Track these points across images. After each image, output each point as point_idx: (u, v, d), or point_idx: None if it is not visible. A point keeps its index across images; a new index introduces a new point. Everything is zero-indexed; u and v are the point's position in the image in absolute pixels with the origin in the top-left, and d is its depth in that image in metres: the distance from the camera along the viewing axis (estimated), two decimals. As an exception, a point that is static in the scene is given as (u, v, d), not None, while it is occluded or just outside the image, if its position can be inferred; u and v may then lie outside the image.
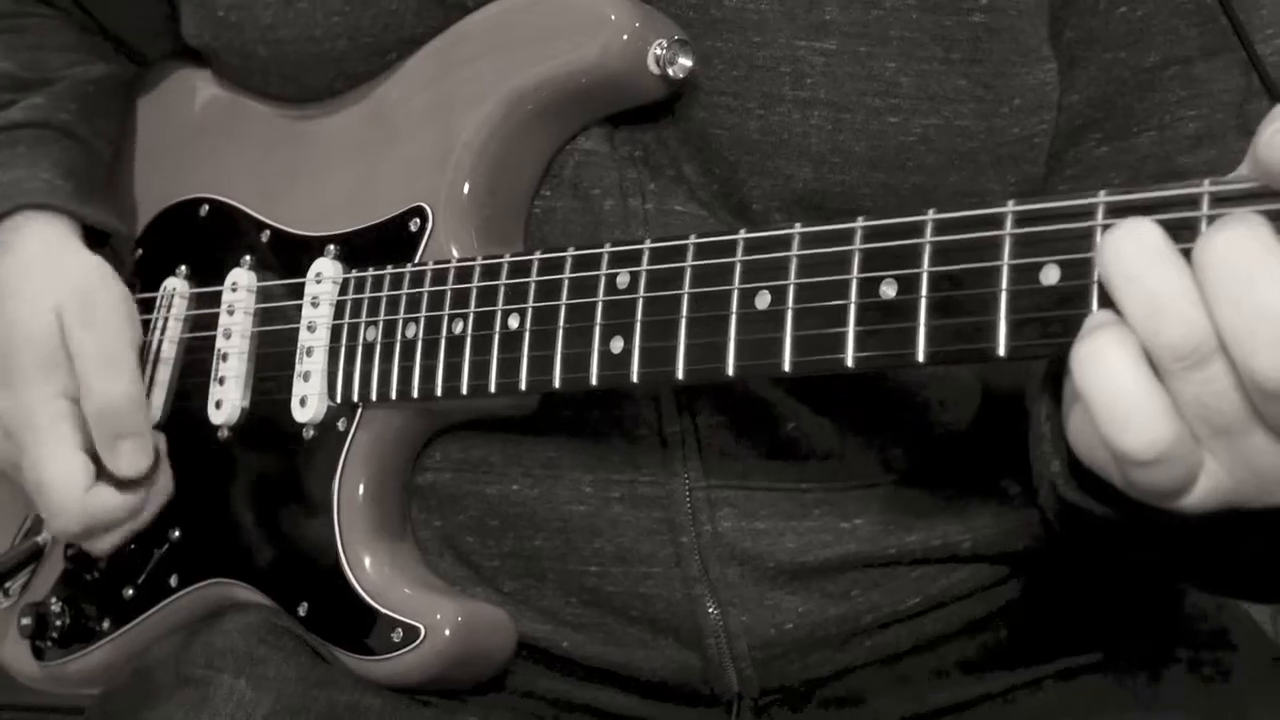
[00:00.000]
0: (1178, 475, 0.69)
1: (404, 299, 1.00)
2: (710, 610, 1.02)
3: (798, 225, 0.83)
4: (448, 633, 0.99)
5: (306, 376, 1.05)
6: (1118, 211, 0.72)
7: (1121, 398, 0.68)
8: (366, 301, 1.02)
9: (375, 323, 1.02)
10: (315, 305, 1.05)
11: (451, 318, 0.97)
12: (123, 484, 1.09)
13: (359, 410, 1.03)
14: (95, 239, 1.16)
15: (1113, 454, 0.69)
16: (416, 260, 1.01)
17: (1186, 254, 0.68)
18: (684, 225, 1.00)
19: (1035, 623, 1.08)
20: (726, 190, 1.00)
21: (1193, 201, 0.70)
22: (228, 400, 1.10)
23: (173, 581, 1.11)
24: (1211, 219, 0.69)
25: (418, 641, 0.99)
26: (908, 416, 1.04)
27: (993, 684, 1.07)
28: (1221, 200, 0.69)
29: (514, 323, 0.94)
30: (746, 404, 1.01)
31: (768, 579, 1.02)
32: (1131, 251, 0.68)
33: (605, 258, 0.91)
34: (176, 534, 1.12)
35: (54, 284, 1.10)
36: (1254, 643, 1.12)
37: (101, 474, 1.09)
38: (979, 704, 1.07)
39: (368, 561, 1.02)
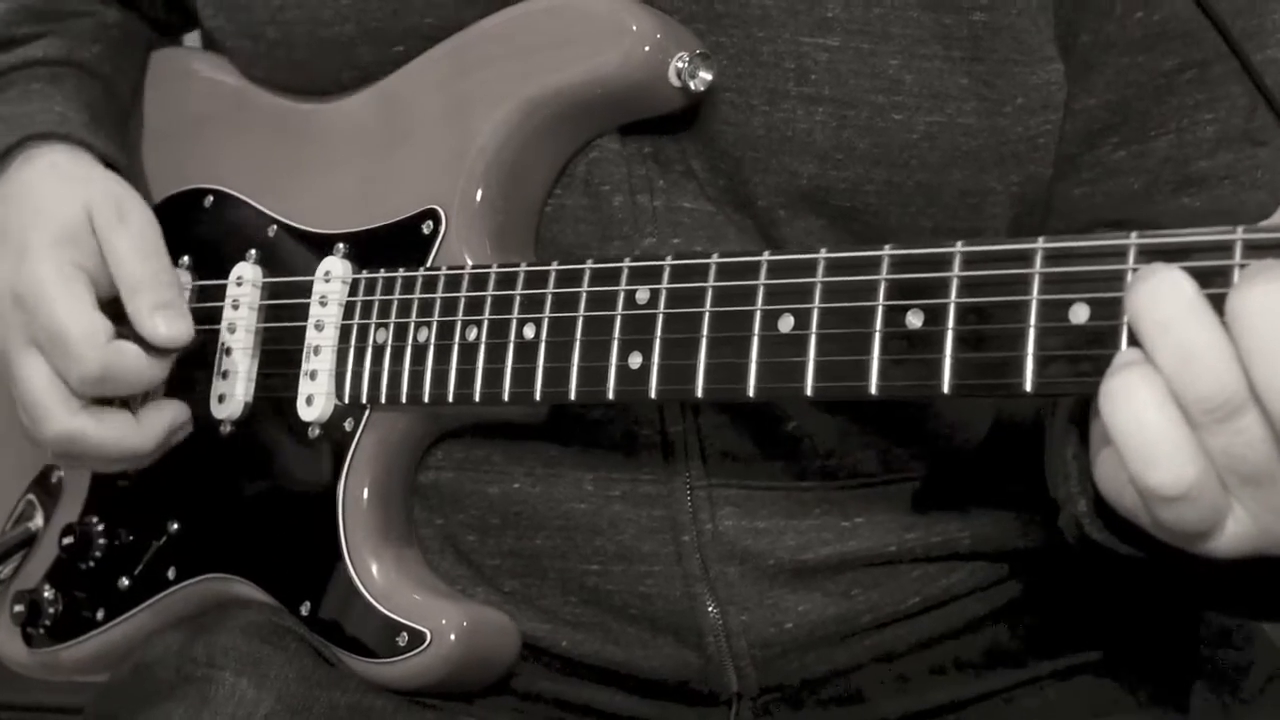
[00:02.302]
0: (1204, 514, 0.70)
1: (416, 302, 0.99)
2: (710, 609, 1.02)
3: (823, 250, 0.83)
4: (453, 638, 0.99)
5: (313, 375, 1.04)
6: (1150, 254, 0.72)
7: (1150, 434, 0.68)
8: (377, 303, 1.02)
9: (386, 324, 1.01)
10: (324, 304, 1.05)
11: (465, 324, 0.97)
12: (148, 348, 1.07)
13: (366, 411, 1.03)
14: None
15: (1139, 491, 0.70)
16: (428, 264, 1.01)
17: (1217, 300, 0.69)
18: (693, 223, 1.00)
19: (1035, 621, 1.09)
20: (732, 186, 1.00)
21: (1225, 248, 0.71)
22: (231, 395, 1.09)
23: (170, 574, 1.11)
24: (1244, 267, 0.70)
25: (423, 646, 0.99)
26: (909, 416, 1.05)
27: (992, 682, 1.08)
28: (1254, 249, 0.70)
29: (529, 333, 0.94)
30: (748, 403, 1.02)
31: (768, 578, 1.02)
32: (1163, 301, 0.69)
33: (625, 272, 0.91)
34: (175, 526, 1.11)
35: (81, 185, 1.10)
36: (1259, 643, 1.13)
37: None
38: (978, 702, 1.08)
39: (373, 565, 1.02)
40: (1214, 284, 0.70)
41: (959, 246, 0.79)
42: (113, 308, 1.08)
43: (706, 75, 0.96)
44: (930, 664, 1.07)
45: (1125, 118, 1.00)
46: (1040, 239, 0.76)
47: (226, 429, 1.10)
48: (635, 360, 0.89)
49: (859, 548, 1.04)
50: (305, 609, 1.03)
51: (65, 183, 1.10)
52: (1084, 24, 0.99)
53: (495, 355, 0.95)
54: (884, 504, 1.05)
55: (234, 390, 1.09)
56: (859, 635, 1.05)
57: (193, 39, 1.26)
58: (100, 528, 1.15)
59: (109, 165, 1.14)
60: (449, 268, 0.99)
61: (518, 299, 0.95)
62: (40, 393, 1.07)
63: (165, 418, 1.10)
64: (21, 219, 1.09)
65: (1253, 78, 0.96)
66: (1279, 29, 0.98)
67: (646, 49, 0.95)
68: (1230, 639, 1.11)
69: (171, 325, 1.06)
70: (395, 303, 1.01)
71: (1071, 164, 1.01)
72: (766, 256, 0.86)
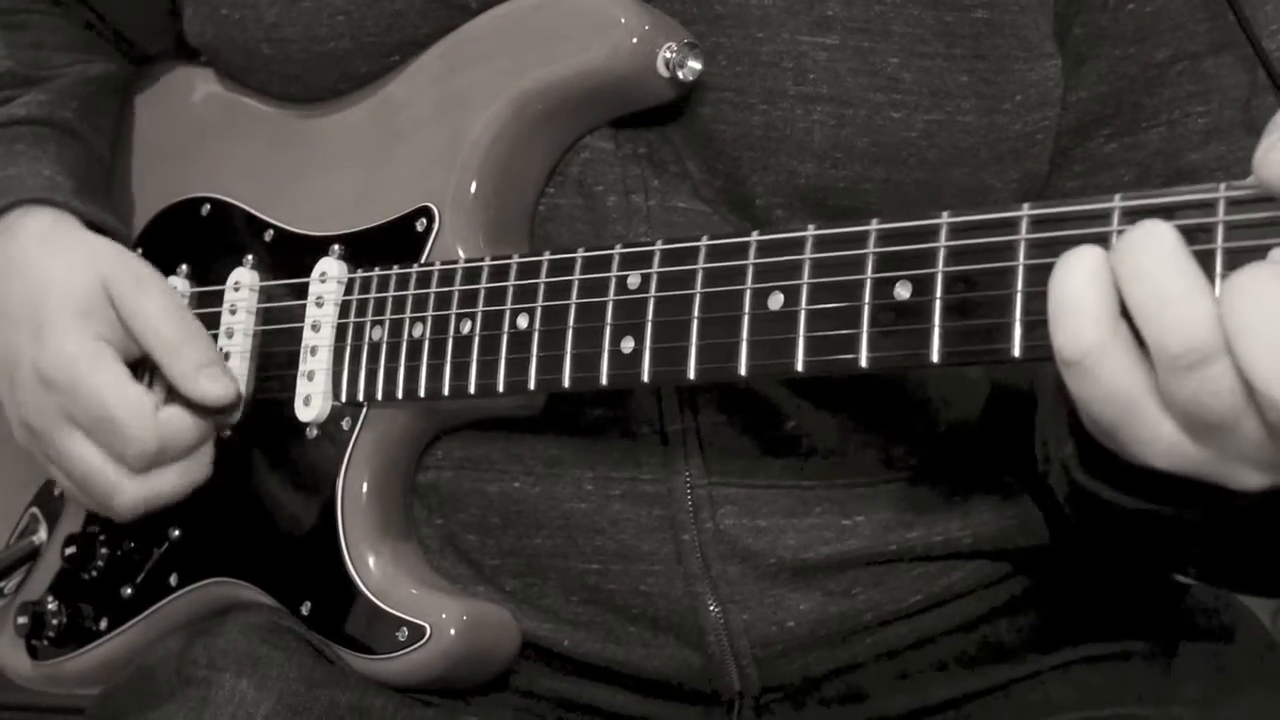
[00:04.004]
0: (1108, 392, 0.70)
1: (410, 299, 1.00)
2: (711, 608, 1.02)
3: (811, 227, 0.84)
4: (453, 632, 0.99)
5: (310, 375, 1.05)
6: (1134, 215, 0.72)
7: (1066, 296, 0.70)
8: (372, 301, 1.02)
9: (381, 322, 1.02)
10: (320, 305, 1.05)
11: (459, 317, 0.97)
12: (194, 409, 1.07)
13: (364, 410, 1.03)
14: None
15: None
16: (423, 260, 1.01)
17: (1203, 255, 0.69)
18: (687, 222, 1.01)
19: (1035, 617, 1.09)
20: (729, 186, 1.00)
21: (1209, 205, 0.71)
22: (230, 400, 1.09)
23: (172, 581, 1.11)
24: (1228, 223, 0.70)
25: (423, 641, 0.99)
26: (909, 414, 1.05)
27: (992, 677, 1.08)
28: (1238, 204, 0.70)
29: (523, 323, 0.94)
30: (748, 401, 1.02)
31: (769, 577, 1.02)
32: (1140, 249, 0.69)
33: (616, 259, 0.91)
34: (176, 533, 1.11)
35: (86, 253, 1.09)
36: (1253, 636, 1.13)
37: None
38: (979, 697, 1.07)
39: (372, 561, 1.02)
40: (1199, 240, 0.70)
41: (945, 217, 0.79)
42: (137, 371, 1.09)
43: (695, 65, 0.96)
44: (932, 660, 1.07)
45: (1117, 110, 1.00)
46: (1025, 205, 0.76)
47: (226, 433, 1.10)
48: (628, 345, 0.90)
49: (860, 546, 1.03)
50: (306, 609, 1.04)
51: (66, 252, 1.09)
52: (1077, 16, 1.00)
53: (489, 347, 0.95)
54: (885, 502, 1.05)
55: (233, 395, 1.09)
56: (860, 634, 1.05)
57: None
58: (102, 537, 1.16)
59: (95, 229, 1.13)
60: (442, 262, 1.00)
61: (510, 290, 0.95)
62: (99, 472, 1.07)
63: (212, 441, 1.10)
64: (27, 293, 1.08)
65: (1263, 60, 0.96)
66: (1270, 21, 0.99)
67: (635, 40, 0.96)
68: (1216, 621, 1.11)
69: (219, 384, 1.06)
70: (390, 300, 1.01)
71: (1064, 156, 1.02)
72: (755, 236, 0.86)
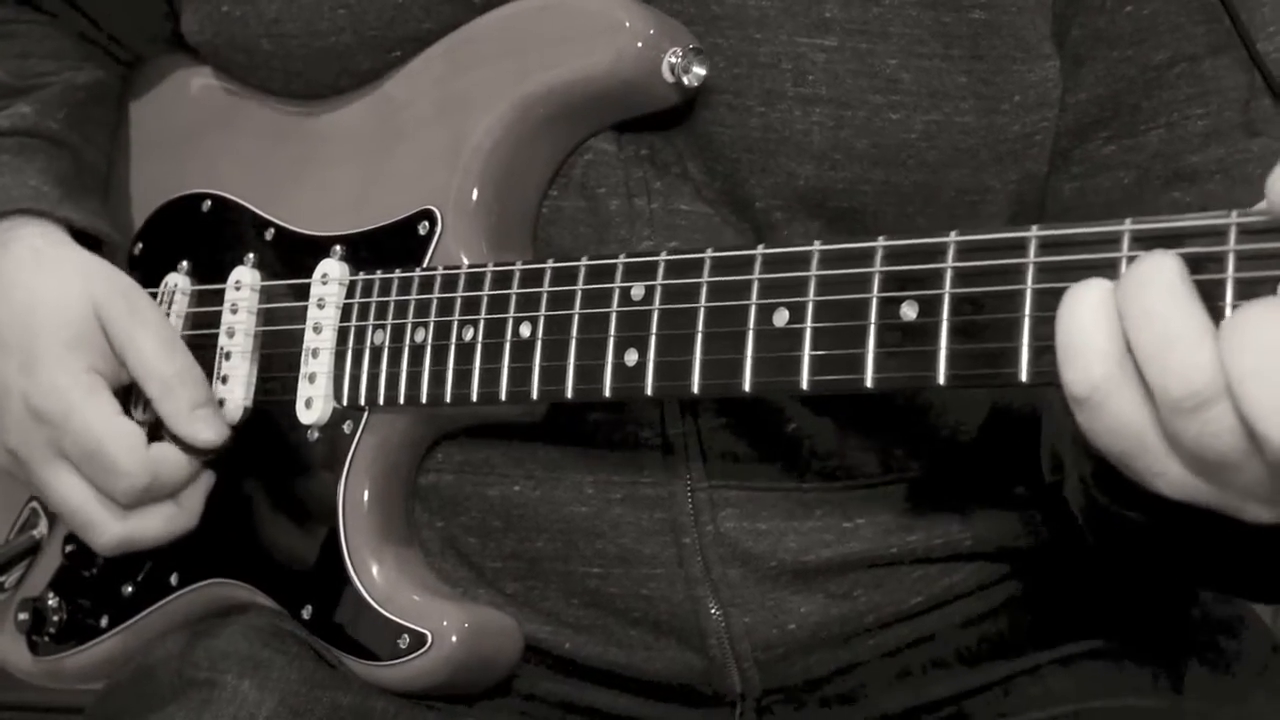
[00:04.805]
0: (1114, 426, 0.71)
1: (413, 303, 0.99)
2: (713, 611, 1.02)
3: (817, 243, 0.83)
4: (455, 639, 0.99)
5: (312, 378, 1.04)
6: (1143, 240, 0.72)
7: (1075, 331, 0.70)
8: (374, 305, 1.02)
9: (383, 326, 1.01)
10: (321, 306, 1.05)
11: (462, 324, 0.97)
12: (184, 447, 1.07)
13: (365, 413, 1.03)
14: (86, 244, 1.13)
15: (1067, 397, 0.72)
16: (425, 264, 1.01)
17: (1213, 285, 0.69)
18: (689, 225, 1.00)
19: (1035, 613, 1.09)
20: (729, 188, 1.00)
21: (1220, 233, 0.70)
22: (230, 399, 1.09)
23: (173, 580, 1.11)
24: (1239, 252, 0.69)
25: (425, 648, 0.99)
26: (909, 417, 1.05)
27: (992, 673, 1.08)
28: (1248, 233, 0.70)
29: (525, 331, 0.94)
30: (749, 405, 1.01)
31: (770, 579, 1.02)
32: (1144, 288, 0.69)
33: (620, 269, 0.91)
34: (177, 532, 1.11)
35: (77, 275, 1.08)
36: (1255, 631, 1.13)
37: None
38: (978, 693, 1.08)
39: (374, 566, 1.02)
40: (1209, 270, 0.70)
41: (953, 236, 0.78)
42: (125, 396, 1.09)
43: (700, 70, 0.96)
44: (931, 657, 1.07)
45: (1115, 112, 1.00)
46: (1034, 227, 0.76)
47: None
48: (631, 357, 0.89)
49: (860, 549, 1.04)
50: (307, 613, 1.03)
51: (57, 273, 1.09)
52: (1075, 18, 0.99)
53: (492, 355, 0.95)
54: (885, 505, 1.05)
55: (233, 395, 1.09)
56: (862, 635, 1.05)
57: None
58: (103, 534, 1.15)
59: (85, 238, 1.13)
60: (445, 268, 0.99)
61: (514, 298, 0.95)
62: (83, 507, 1.07)
63: (201, 491, 1.10)
64: (18, 319, 1.07)
65: (1257, 63, 0.96)
66: (1268, 22, 0.98)
67: (639, 45, 0.95)
68: (1224, 625, 1.11)
69: (212, 427, 1.07)
70: (392, 304, 1.01)
71: (1063, 158, 1.01)
72: (761, 250, 0.85)
